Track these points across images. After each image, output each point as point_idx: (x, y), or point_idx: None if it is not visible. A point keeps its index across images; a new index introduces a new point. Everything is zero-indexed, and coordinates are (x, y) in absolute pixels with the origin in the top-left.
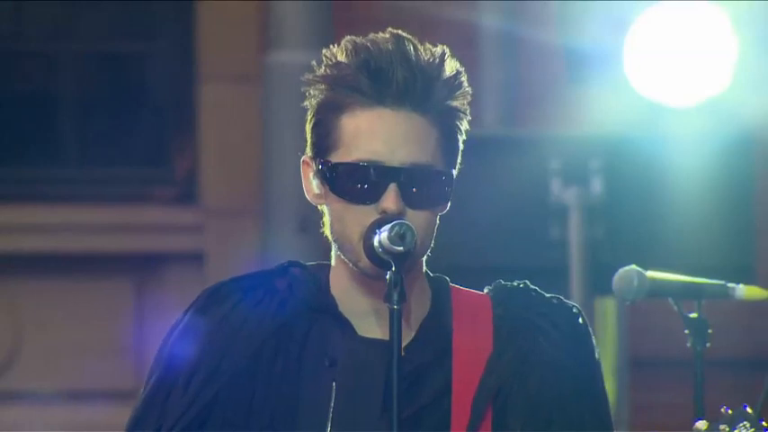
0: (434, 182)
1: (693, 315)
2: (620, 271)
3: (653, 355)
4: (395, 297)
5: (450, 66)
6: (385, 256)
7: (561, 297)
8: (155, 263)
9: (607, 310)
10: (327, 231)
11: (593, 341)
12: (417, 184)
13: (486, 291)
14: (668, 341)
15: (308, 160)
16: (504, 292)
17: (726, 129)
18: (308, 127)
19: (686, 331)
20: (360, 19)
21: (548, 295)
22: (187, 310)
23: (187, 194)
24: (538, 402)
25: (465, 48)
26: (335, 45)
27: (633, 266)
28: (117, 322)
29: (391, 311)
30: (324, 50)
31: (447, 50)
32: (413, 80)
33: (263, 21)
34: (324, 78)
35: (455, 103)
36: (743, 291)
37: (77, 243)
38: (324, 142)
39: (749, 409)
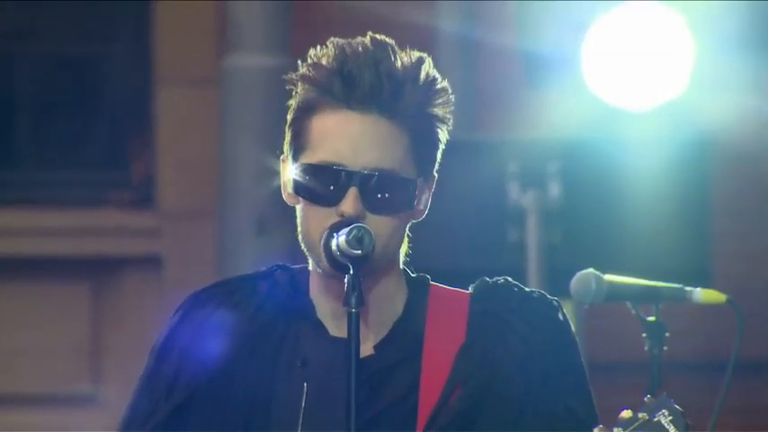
0: (397, 188)
1: (651, 318)
2: (578, 274)
3: (610, 358)
4: (353, 300)
5: (426, 72)
6: (342, 260)
7: (542, 291)
8: (112, 266)
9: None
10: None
11: (572, 335)
12: (379, 189)
13: (471, 288)
14: (626, 345)
15: (284, 159)
16: (485, 288)
17: (683, 132)
18: (286, 127)
19: (644, 335)
20: (317, 21)
21: (528, 290)
22: (170, 320)
23: (144, 198)
24: (506, 396)
25: (422, 50)
26: (309, 47)
27: (591, 270)
28: (74, 326)
29: (349, 314)
30: (311, 50)
31: (426, 58)
32: (379, 84)
33: (221, 24)
34: (302, 78)
35: (432, 110)
36: (700, 294)
37: (34, 247)
38: (294, 143)
39: (672, 402)
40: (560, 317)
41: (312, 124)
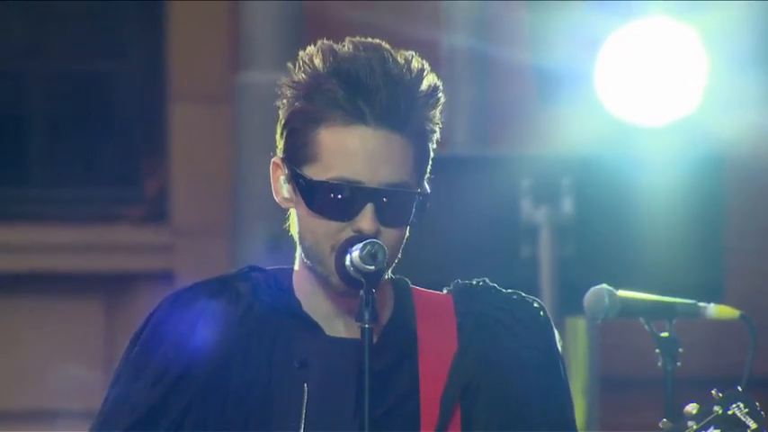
0: (408, 201)
1: (664, 334)
2: (591, 290)
3: (623, 374)
4: (366, 316)
5: (428, 81)
6: (356, 275)
7: (521, 292)
8: (125, 282)
9: (578, 329)
10: (293, 232)
11: (556, 335)
12: (394, 204)
13: (445, 291)
14: (639, 360)
15: (279, 162)
16: (465, 290)
17: (696, 148)
18: (282, 130)
19: (657, 350)
20: (329, 37)
21: (507, 291)
22: (151, 316)
23: (157, 214)
24: (504, 400)
25: (435, 67)
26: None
27: (604, 285)
28: (87, 341)
29: (363, 330)
30: (300, 53)
31: (426, 65)
32: (396, 102)
33: (234, 41)
34: (301, 85)
35: (431, 119)
36: (714, 310)
37: (47, 263)
38: (300, 152)
39: (739, 388)
40: (544, 315)
41: (321, 136)
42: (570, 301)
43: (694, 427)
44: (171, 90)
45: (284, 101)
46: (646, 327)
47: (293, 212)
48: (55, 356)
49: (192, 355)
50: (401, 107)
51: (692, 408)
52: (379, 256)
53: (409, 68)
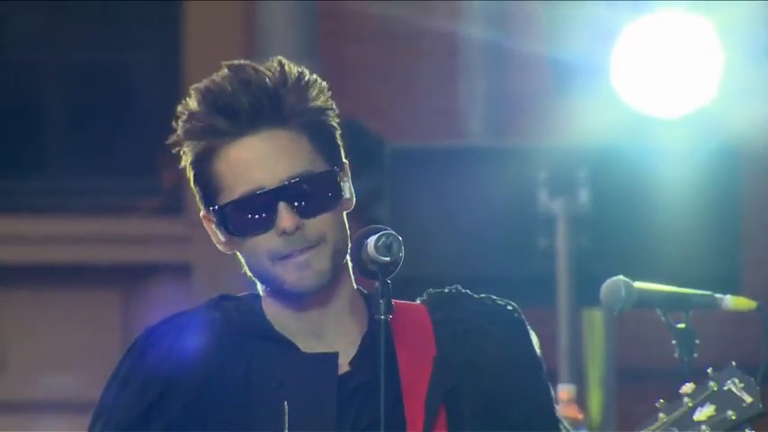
0: (320, 185)
1: (681, 325)
2: (608, 281)
3: (640, 365)
4: (382, 307)
5: (292, 71)
6: (371, 267)
7: (493, 297)
8: (141, 274)
9: (594, 320)
10: (247, 271)
11: (533, 336)
12: (304, 193)
13: (419, 301)
14: (655, 351)
15: (205, 214)
16: (439, 297)
17: (712, 140)
18: (193, 185)
19: (674, 341)
20: (347, 30)
21: (481, 296)
22: (126, 356)
23: (174, 205)
24: (487, 402)
25: (452, 59)
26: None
27: (620, 277)
28: (103, 333)
29: (379, 321)
30: (178, 108)
31: (283, 59)
32: (257, 100)
33: (249, 32)
34: (186, 135)
35: (313, 103)
36: (730, 301)
37: (64, 254)
38: (209, 191)
39: (733, 363)
40: (519, 317)
41: (215, 168)
42: (587, 292)
43: (690, 404)
44: (187, 81)
45: (185, 159)
46: (662, 318)
47: (239, 255)
48: (72, 348)
49: (166, 392)
50: (264, 104)
51: (688, 387)
52: (394, 248)
53: (267, 68)
